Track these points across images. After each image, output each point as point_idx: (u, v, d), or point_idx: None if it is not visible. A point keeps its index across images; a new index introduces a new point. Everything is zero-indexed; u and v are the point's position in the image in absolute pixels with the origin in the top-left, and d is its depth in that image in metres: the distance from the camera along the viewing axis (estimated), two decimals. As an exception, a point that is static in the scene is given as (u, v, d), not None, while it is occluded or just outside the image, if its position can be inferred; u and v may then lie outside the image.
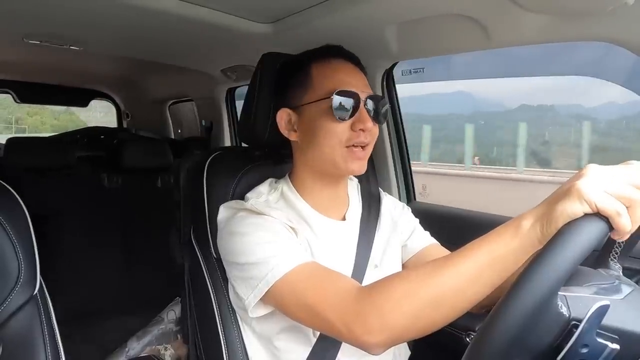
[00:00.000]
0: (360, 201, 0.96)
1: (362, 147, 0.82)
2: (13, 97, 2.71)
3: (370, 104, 0.82)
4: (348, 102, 0.79)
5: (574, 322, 0.46)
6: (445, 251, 0.95)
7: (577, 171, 0.51)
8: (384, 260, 0.90)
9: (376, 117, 0.84)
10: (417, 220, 1.01)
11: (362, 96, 0.81)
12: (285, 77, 0.89)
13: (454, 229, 1.16)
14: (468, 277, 0.55)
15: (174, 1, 1.11)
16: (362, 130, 0.80)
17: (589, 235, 0.45)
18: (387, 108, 0.88)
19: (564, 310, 0.46)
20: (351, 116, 0.80)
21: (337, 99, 0.79)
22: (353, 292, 0.65)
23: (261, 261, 0.73)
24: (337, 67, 0.85)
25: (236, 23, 1.23)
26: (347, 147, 0.81)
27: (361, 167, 0.83)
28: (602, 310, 0.45)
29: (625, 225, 0.46)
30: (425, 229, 1.01)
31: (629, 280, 0.59)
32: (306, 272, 0.71)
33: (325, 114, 0.80)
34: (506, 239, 0.53)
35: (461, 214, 1.37)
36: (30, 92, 2.74)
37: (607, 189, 0.46)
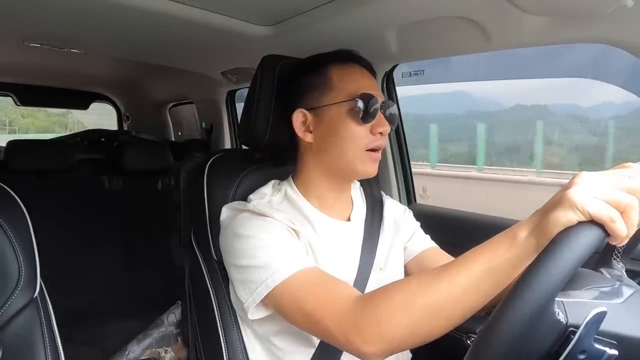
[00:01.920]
0: (364, 203, 0.96)
1: (378, 150, 0.84)
2: (14, 100, 2.71)
3: (385, 108, 0.84)
4: (371, 106, 0.81)
5: (571, 329, 0.46)
6: (444, 254, 0.95)
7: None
8: (388, 263, 0.90)
9: (389, 121, 0.85)
10: (418, 223, 1.02)
11: (379, 100, 0.83)
12: (300, 78, 0.89)
13: (454, 231, 1.16)
14: (464, 287, 0.55)
15: (174, 4, 1.11)
16: (381, 134, 0.82)
17: (584, 242, 0.45)
18: (396, 113, 0.90)
19: (561, 317, 0.46)
20: (372, 120, 0.82)
21: (361, 102, 0.80)
22: (351, 301, 0.65)
23: (262, 265, 0.73)
24: (356, 70, 0.86)
25: (236, 26, 1.23)
26: (367, 150, 0.82)
27: (376, 169, 0.85)
28: (600, 317, 0.45)
29: (621, 231, 0.45)
30: (426, 230, 1.01)
31: (631, 281, 0.58)
32: (306, 279, 0.71)
33: (347, 117, 0.81)
34: (502, 249, 0.53)
35: (461, 216, 1.37)
36: (31, 95, 2.74)
37: (598, 196, 0.46)
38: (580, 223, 0.46)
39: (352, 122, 0.81)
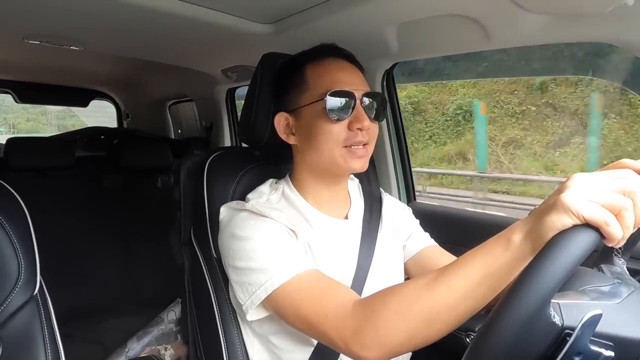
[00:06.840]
0: (362, 200, 0.96)
1: (362, 145, 0.81)
2: (13, 98, 2.71)
3: (367, 101, 0.81)
4: (343, 102, 0.79)
5: (567, 331, 0.46)
6: (443, 252, 0.95)
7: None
8: (387, 260, 0.90)
9: (374, 114, 0.83)
10: (417, 221, 1.02)
11: (358, 94, 0.80)
12: (281, 80, 0.89)
13: (454, 229, 1.16)
14: (460, 293, 0.55)
15: (174, 1, 1.11)
16: (360, 129, 0.80)
17: (579, 245, 0.45)
18: (386, 104, 0.87)
19: (556, 319, 0.46)
20: (347, 116, 0.79)
21: (330, 100, 0.78)
22: (349, 307, 0.65)
23: (260, 268, 0.73)
24: (331, 66, 0.84)
25: (237, 23, 1.23)
26: (346, 147, 0.80)
27: (362, 165, 0.82)
28: (595, 319, 0.45)
29: (616, 233, 0.45)
30: (425, 229, 1.01)
31: (631, 278, 0.58)
32: (304, 283, 0.71)
33: (321, 116, 0.80)
34: (497, 253, 0.53)
35: (460, 214, 1.38)
36: (31, 92, 2.73)
37: (593, 199, 0.45)
38: (575, 226, 0.46)
39: (326, 121, 0.79)
